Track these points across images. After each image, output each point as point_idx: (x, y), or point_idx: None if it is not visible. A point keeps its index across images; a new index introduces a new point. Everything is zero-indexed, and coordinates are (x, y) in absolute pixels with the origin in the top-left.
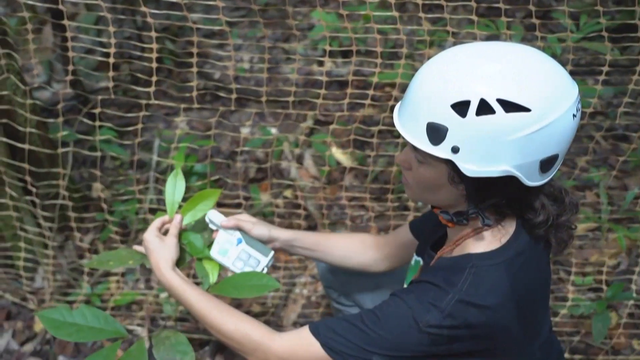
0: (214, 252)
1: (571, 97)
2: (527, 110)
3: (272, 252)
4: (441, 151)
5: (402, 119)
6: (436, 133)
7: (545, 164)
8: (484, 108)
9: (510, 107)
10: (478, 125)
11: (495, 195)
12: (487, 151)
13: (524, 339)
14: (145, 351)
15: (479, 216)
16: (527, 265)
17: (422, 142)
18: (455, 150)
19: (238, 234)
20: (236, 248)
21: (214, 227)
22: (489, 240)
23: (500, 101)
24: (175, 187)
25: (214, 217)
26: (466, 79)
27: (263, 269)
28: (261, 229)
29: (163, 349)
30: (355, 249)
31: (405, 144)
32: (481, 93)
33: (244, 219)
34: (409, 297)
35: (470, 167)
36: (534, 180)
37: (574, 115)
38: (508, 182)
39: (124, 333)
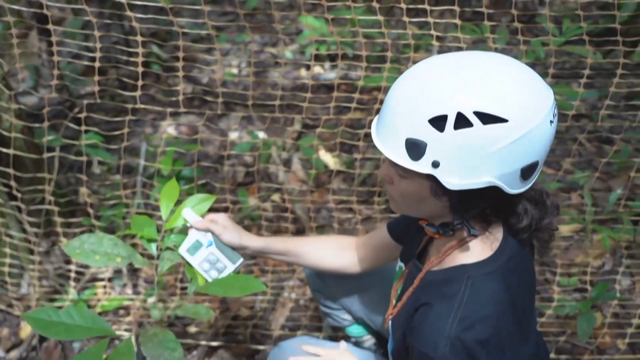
0: (182, 250)
1: (547, 103)
2: (505, 121)
3: (241, 260)
4: (421, 166)
5: (380, 134)
6: (415, 148)
7: (526, 172)
8: (462, 121)
9: (487, 119)
10: (457, 139)
11: (479, 205)
12: (468, 164)
13: (520, 341)
14: (133, 349)
15: (465, 227)
16: (518, 268)
17: (402, 158)
18: (435, 164)
19: (210, 236)
20: (206, 250)
21: (188, 225)
22: (480, 249)
23: (478, 114)
24: (169, 194)
25: (189, 216)
26: (442, 93)
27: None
28: (232, 235)
29: (151, 346)
30: (330, 251)
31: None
32: (458, 107)
33: (220, 221)
34: (413, 346)
35: (452, 180)
36: (515, 188)
37: (551, 122)
38: (490, 191)
39: (111, 331)
